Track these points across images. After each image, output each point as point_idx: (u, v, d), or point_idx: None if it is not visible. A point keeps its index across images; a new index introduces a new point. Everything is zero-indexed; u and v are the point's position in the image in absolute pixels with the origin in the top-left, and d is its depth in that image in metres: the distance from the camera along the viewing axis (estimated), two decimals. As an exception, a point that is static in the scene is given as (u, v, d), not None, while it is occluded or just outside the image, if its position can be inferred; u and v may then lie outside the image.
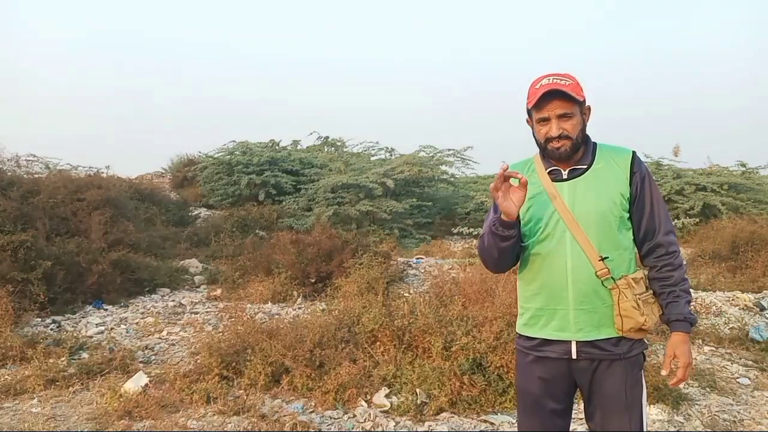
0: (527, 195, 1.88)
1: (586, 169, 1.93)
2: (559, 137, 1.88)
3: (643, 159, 2.00)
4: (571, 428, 2.08)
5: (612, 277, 1.86)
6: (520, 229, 1.95)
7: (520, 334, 2.05)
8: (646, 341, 1.98)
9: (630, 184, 1.91)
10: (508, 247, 1.93)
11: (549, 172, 1.96)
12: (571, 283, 1.89)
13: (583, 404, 2.03)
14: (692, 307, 1.91)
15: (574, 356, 1.90)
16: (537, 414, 1.99)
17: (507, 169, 1.81)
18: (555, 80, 1.87)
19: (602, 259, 1.86)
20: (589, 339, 1.88)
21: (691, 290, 1.97)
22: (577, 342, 1.89)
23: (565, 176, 1.94)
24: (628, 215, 1.94)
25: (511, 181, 1.84)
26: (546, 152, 1.94)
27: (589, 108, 1.96)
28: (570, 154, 1.91)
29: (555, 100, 1.86)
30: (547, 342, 1.94)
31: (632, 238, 1.97)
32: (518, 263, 2.06)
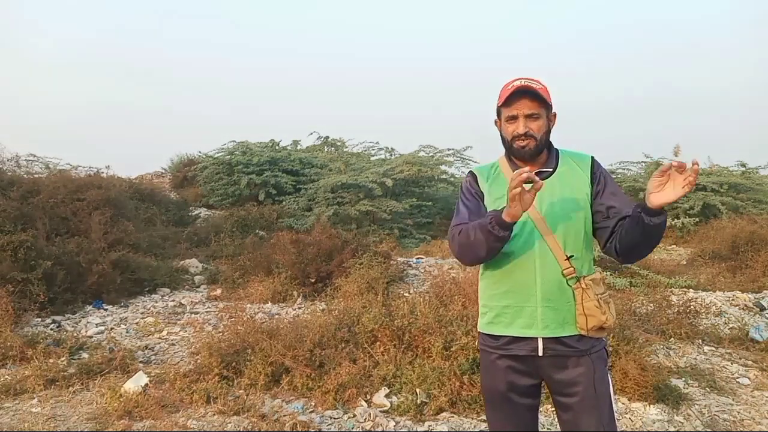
0: (494, 196, 1.95)
1: (552, 172, 2.01)
2: (525, 135, 1.95)
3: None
4: (545, 424, 2.08)
5: (576, 276, 1.93)
6: None
7: (483, 333, 2.08)
8: (604, 338, 2.02)
9: (592, 183, 2.01)
10: (500, 247, 1.91)
11: None
12: (540, 282, 1.94)
13: (552, 401, 2.06)
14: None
15: (540, 353, 1.95)
16: (506, 410, 2.03)
17: (529, 172, 1.74)
18: (526, 82, 1.95)
19: (568, 258, 1.92)
20: (554, 336, 1.94)
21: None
22: (543, 339, 1.94)
23: None
24: (591, 214, 1.99)
25: (525, 185, 1.78)
26: (511, 151, 2.02)
27: (555, 115, 2.03)
28: (534, 154, 1.98)
29: (524, 99, 1.94)
30: (514, 340, 1.98)
31: (592, 239, 2.04)
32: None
